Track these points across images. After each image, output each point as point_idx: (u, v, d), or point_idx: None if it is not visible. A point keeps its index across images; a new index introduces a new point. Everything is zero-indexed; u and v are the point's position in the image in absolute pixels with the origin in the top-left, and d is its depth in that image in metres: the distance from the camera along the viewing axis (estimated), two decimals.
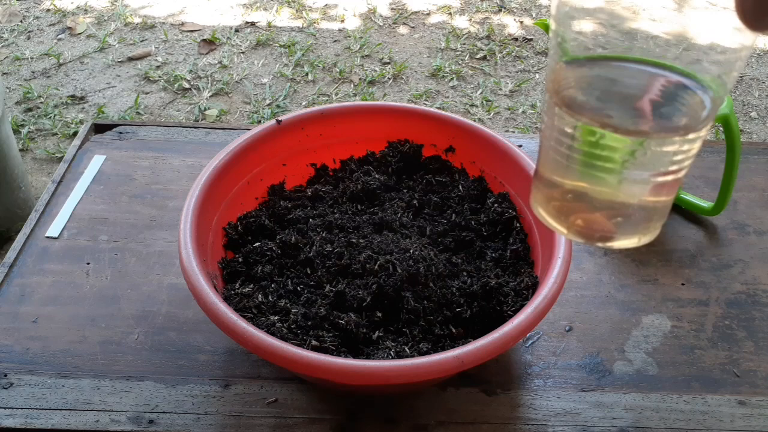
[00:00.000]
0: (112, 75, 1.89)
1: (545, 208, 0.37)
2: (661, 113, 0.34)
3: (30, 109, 1.77)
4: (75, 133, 1.67)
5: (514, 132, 1.72)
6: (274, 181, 0.69)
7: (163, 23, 2.11)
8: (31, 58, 1.94)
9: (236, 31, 2.08)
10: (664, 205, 0.37)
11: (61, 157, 1.62)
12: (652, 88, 0.34)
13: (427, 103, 1.82)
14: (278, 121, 0.67)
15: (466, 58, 1.99)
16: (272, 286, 0.58)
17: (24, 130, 1.68)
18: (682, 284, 0.67)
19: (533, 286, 0.57)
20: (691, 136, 0.34)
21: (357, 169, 0.70)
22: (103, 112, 1.74)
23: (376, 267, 0.57)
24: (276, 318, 0.54)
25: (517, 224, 0.63)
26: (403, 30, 2.12)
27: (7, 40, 2.01)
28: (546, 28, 0.76)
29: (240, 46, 2.01)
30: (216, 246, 0.61)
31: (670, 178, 0.35)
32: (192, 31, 2.08)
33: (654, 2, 0.31)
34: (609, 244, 0.36)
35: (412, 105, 0.71)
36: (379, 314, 0.55)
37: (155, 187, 0.76)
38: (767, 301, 0.66)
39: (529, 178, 0.62)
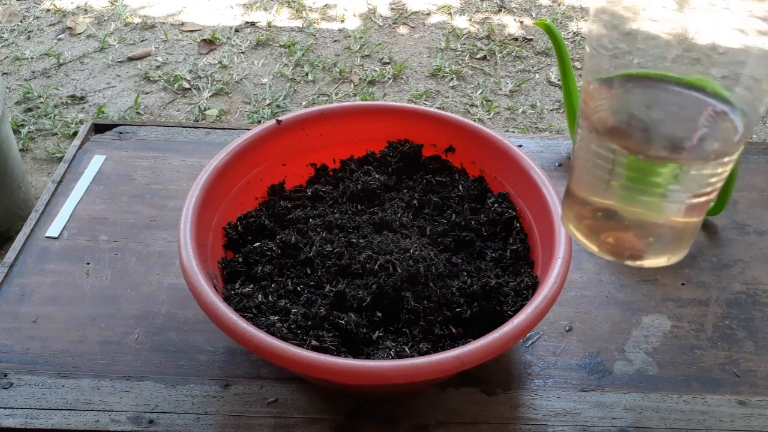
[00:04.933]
0: (112, 75, 1.89)
1: (577, 225, 0.38)
2: (694, 138, 0.34)
3: (30, 109, 1.76)
4: (75, 133, 1.67)
5: (514, 132, 1.72)
6: (274, 181, 0.69)
7: (163, 23, 2.11)
8: (31, 58, 1.94)
9: (236, 31, 2.08)
10: (694, 225, 0.37)
11: (61, 157, 1.62)
12: (684, 111, 0.33)
13: (427, 103, 1.82)
14: (278, 121, 0.67)
15: (466, 58, 1.99)
16: (272, 286, 0.58)
17: (24, 130, 1.68)
18: (682, 284, 0.67)
19: (533, 286, 0.57)
20: (725, 159, 0.34)
21: (357, 169, 0.70)
22: (103, 112, 1.74)
23: (376, 267, 0.57)
24: (276, 318, 0.54)
25: (517, 224, 0.63)
26: (403, 30, 2.12)
27: (7, 40, 2.01)
28: (546, 28, 0.76)
29: (240, 46, 2.01)
30: (216, 246, 0.61)
31: (702, 199, 0.35)
32: (192, 31, 2.08)
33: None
34: (638, 263, 0.37)
35: (412, 105, 0.71)
36: (379, 314, 0.55)
37: (155, 187, 0.76)
38: (767, 301, 0.66)
39: (529, 178, 0.62)
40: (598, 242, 0.37)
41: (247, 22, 2.12)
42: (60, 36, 2.04)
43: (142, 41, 2.02)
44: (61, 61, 1.93)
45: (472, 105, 1.82)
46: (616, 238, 0.36)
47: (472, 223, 0.64)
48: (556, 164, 0.81)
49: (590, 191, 0.36)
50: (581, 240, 0.38)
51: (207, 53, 1.98)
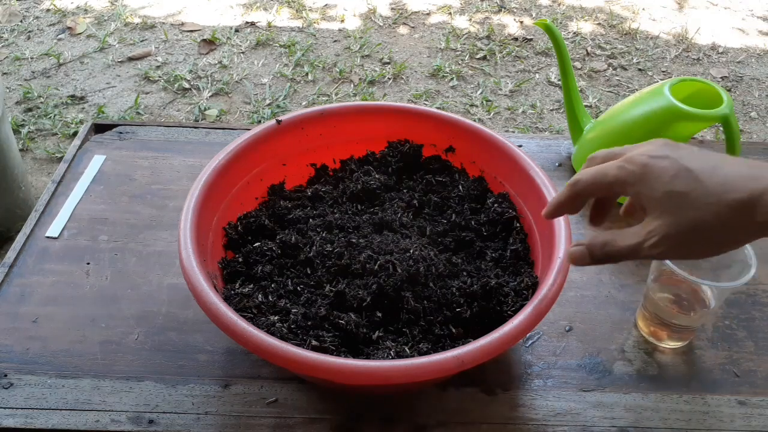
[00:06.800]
0: (112, 75, 1.89)
1: (644, 324, 0.63)
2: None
3: (30, 109, 1.77)
4: (75, 133, 1.67)
5: (514, 132, 1.72)
6: (274, 181, 0.69)
7: (163, 23, 2.11)
8: (31, 58, 1.94)
9: (236, 31, 2.08)
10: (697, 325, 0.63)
11: (61, 157, 1.62)
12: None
13: (427, 103, 1.82)
14: (278, 121, 0.67)
15: (466, 58, 1.99)
16: (272, 286, 0.58)
17: (24, 130, 1.68)
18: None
19: (533, 286, 0.57)
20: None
21: (357, 169, 0.70)
22: (103, 112, 1.74)
23: (376, 267, 0.57)
24: (276, 318, 0.54)
25: (517, 224, 0.63)
26: (403, 30, 2.12)
27: (7, 40, 2.01)
28: (546, 28, 0.76)
29: (240, 46, 2.01)
30: (216, 246, 0.61)
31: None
32: (192, 31, 2.08)
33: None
34: (663, 345, 0.62)
35: (412, 105, 0.71)
36: (379, 314, 0.55)
37: (155, 187, 0.76)
38: (767, 301, 0.66)
39: (529, 178, 0.62)
40: (648, 332, 0.63)
41: (247, 22, 2.12)
42: (60, 36, 2.04)
43: (142, 41, 2.02)
44: (61, 61, 1.93)
45: (472, 105, 1.82)
46: (658, 332, 0.62)
47: (472, 223, 0.64)
48: (556, 164, 0.81)
49: (656, 312, 0.62)
50: (642, 330, 0.63)
51: (207, 53, 1.98)
